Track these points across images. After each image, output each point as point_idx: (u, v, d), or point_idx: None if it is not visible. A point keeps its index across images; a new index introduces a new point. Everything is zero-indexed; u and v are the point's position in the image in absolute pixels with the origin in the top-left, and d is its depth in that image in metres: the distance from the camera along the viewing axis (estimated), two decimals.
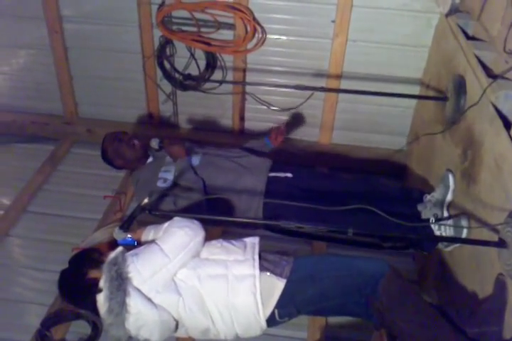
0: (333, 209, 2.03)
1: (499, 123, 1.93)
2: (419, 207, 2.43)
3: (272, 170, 2.65)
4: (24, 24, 3.37)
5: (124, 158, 2.76)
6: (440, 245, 2.32)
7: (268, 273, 1.93)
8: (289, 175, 2.62)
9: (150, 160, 2.79)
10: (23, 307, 2.57)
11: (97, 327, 2.38)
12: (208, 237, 2.01)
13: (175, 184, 2.56)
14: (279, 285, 1.93)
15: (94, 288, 1.84)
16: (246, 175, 2.58)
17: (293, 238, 2.63)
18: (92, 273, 1.90)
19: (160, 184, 2.55)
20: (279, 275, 1.94)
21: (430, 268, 2.59)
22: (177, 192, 2.52)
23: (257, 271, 1.92)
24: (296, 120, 3.47)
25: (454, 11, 2.60)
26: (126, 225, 1.98)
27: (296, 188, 2.53)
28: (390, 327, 1.94)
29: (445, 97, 2.53)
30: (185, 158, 2.65)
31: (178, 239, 1.90)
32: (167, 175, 2.57)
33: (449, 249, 2.27)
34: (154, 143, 2.70)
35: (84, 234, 2.73)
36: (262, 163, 2.69)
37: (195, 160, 2.66)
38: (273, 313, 1.94)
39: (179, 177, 2.56)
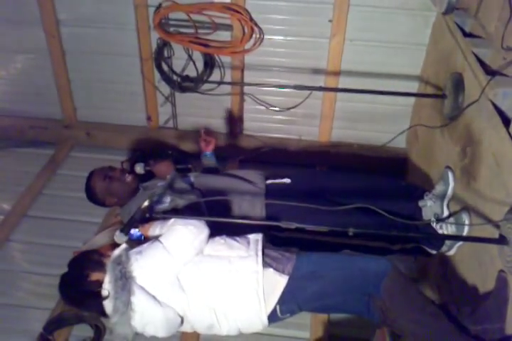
0: (335, 209, 2.03)
1: (498, 120, 1.93)
2: (420, 204, 2.43)
3: (267, 178, 2.58)
4: (21, 29, 3.37)
5: (118, 196, 2.48)
6: (444, 248, 2.31)
7: (271, 270, 1.93)
8: (287, 180, 2.56)
9: (140, 191, 2.52)
10: (25, 312, 2.57)
11: (99, 330, 2.38)
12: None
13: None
14: (281, 281, 1.93)
15: (97, 290, 1.85)
16: (244, 184, 2.51)
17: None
18: (94, 276, 1.90)
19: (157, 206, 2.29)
20: (282, 271, 1.94)
21: (432, 266, 2.59)
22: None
23: (260, 267, 1.92)
24: (295, 119, 3.47)
25: (450, 9, 2.60)
26: (127, 228, 1.97)
27: (295, 193, 2.47)
28: (393, 326, 1.94)
29: (443, 95, 2.53)
30: (174, 172, 2.52)
31: (181, 236, 1.90)
32: (163, 197, 2.29)
33: (452, 252, 2.27)
34: (139, 168, 2.54)
35: (85, 238, 2.73)
36: (254, 173, 2.61)
37: (191, 178, 2.55)
38: (275, 309, 1.94)
39: (174, 190, 2.39)
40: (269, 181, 2.55)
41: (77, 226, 2.98)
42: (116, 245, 2.00)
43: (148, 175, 2.64)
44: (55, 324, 2.42)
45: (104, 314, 1.89)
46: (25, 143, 3.62)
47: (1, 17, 3.33)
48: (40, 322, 2.44)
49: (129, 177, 2.51)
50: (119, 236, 1.97)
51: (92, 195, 2.53)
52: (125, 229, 1.96)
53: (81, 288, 1.91)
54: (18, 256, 2.90)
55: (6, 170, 3.46)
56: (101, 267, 1.89)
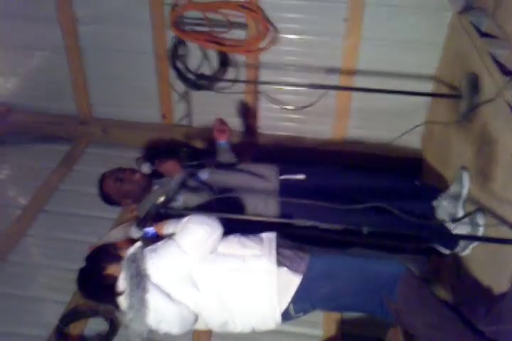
0: (349, 208, 2.03)
1: None
2: (435, 204, 2.42)
3: (281, 173, 2.58)
4: (38, 26, 3.40)
5: (133, 196, 2.56)
6: (458, 248, 2.30)
7: (285, 269, 1.94)
8: (302, 176, 2.56)
9: (156, 187, 2.59)
10: (41, 305, 2.61)
11: (113, 324, 2.41)
12: None
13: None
14: (295, 280, 1.94)
15: (113, 285, 1.87)
16: (257, 182, 2.52)
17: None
18: (111, 269, 1.92)
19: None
20: (296, 270, 1.94)
21: (445, 266, 2.58)
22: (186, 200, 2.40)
23: (274, 265, 1.93)
24: (310, 118, 3.47)
25: (467, 8, 2.59)
26: (143, 223, 1.99)
27: (309, 192, 2.47)
28: (407, 327, 1.94)
29: (459, 95, 2.52)
30: (182, 172, 2.57)
31: (196, 235, 1.91)
32: (175, 195, 2.36)
33: (466, 253, 2.27)
34: (146, 168, 2.60)
35: (101, 233, 2.77)
36: (266, 168, 2.61)
37: (204, 175, 2.57)
38: (288, 308, 1.95)
39: (186, 189, 2.43)
40: (283, 177, 2.55)
41: (92, 222, 3.01)
42: (132, 240, 2.03)
43: (160, 173, 2.67)
44: (70, 317, 2.46)
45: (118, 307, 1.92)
46: (42, 138, 3.65)
47: (19, 14, 3.37)
48: (55, 315, 2.48)
49: (138, 176, 2.56)
50: (135, 231, 2.01)
51: (106, 198, 2.60)
52: (141, 224, 1.99)
53: (98, 282, 1.93)
54: (35, 250, 2.94)
55: (22, 165, 3.49)
56: (118, 260, 1.91)
